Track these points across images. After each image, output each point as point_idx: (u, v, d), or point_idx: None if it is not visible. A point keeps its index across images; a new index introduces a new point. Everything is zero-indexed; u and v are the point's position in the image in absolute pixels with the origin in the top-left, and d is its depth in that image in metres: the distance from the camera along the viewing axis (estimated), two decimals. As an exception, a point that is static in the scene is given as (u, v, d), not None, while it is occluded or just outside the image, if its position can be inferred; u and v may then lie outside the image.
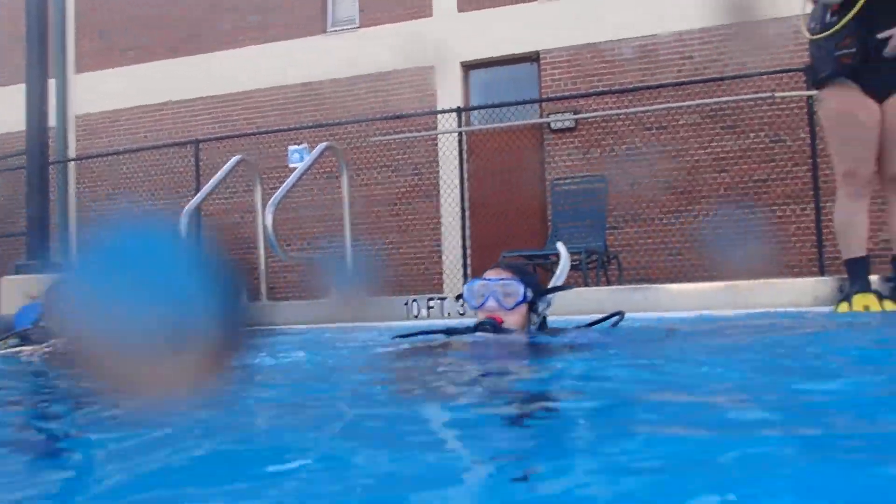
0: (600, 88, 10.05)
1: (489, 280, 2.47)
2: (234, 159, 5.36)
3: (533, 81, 10.61)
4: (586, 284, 6.91)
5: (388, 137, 10.05)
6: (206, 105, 11.81)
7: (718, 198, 9.60)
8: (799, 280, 4.92)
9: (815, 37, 3.67)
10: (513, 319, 2.40)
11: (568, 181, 8.50)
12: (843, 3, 3.52)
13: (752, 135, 9.51)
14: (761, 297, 4.68)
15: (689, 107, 9.40)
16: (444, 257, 10.18)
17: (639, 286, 5.95)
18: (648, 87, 9.60)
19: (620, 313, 2.69)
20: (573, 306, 4.14)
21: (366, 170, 10.57)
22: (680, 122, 9.77)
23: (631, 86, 9.79)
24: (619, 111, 9.76)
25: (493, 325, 2.35)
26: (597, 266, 7.40)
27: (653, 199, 9.74)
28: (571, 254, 7.19)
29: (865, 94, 3.58)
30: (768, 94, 8.04)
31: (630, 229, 9.63)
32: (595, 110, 10.01)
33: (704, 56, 9.82)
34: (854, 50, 3.53)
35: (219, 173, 5.20)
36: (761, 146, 9.42)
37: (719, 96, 9.24)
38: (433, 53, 10.84)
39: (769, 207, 9.47)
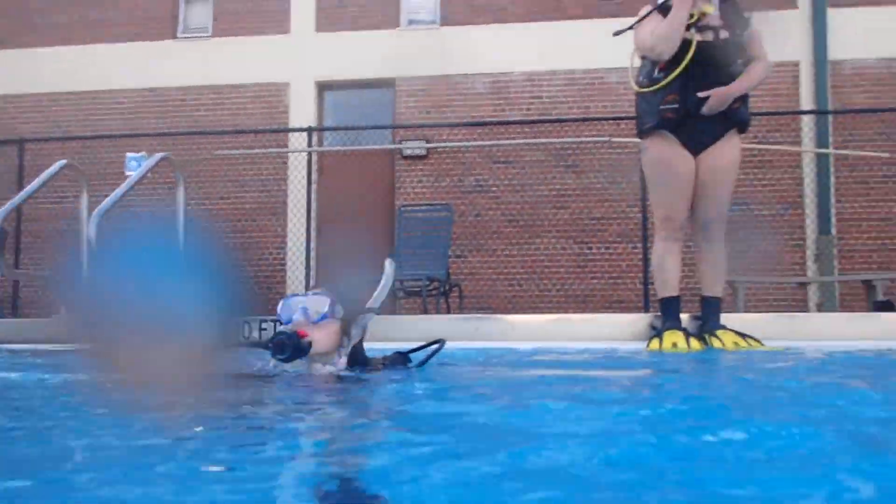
0: (453, 120, 10.26)
1: (300, 295, 2.45)
2: (58, 164, 5.05)
3: (387, 107, 10.68)
4: (426, 312, 6.98)
5: (234, 152, 9.80)
6: (36, 102, 11.07)
7: (558, 232, 9.99)
8: (621, 315, 5.17)
9: (642, 90, 3.91)
10: (319, 335, 2.35)
11: (414, 208, 8.59)
12: (669, 61, 3.77)
13: (591, 175, 9.97)
14: (588, 331, 4.84)
15: (535, 144, 9.77)
16: (287, 277, 9.99)
17: (476, 315, 6.05)
18: (499, 123, 9.91)
19: (441, 342, 2.71)
20: (411, 333, 4.17)
21: (210, 183, 10.24)
22: (526, 159, 10.11)
23: (482, 119, 10.06)
24: (469, 143, 10.00)
25: (290, 337, 2.29)
26: (438, 294, 7.49)
27: (497, 230, 10.02)
28: (413, 280, 7.25)
29: (683, 147, 3.84)
30: (605, 139, 8.48)
31: (473, 258, 9.84)
32: (447, 140, 10.20)
33: (552, 97, 10.24)
34: (676, 106, 3.78)
35: (40, 177, 4.88)
36: (599, 186, 9.90)
37: (563, 136, 9.68)
38: (288, 70, 10.71)
39: (604, 244, 9.95)
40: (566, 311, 9.47)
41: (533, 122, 9.91)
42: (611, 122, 9.14)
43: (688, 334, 3.84)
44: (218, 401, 1.95)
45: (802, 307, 9.58)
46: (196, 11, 11.28)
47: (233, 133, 10.13)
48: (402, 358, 2.68)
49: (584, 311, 9.49)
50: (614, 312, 8.43)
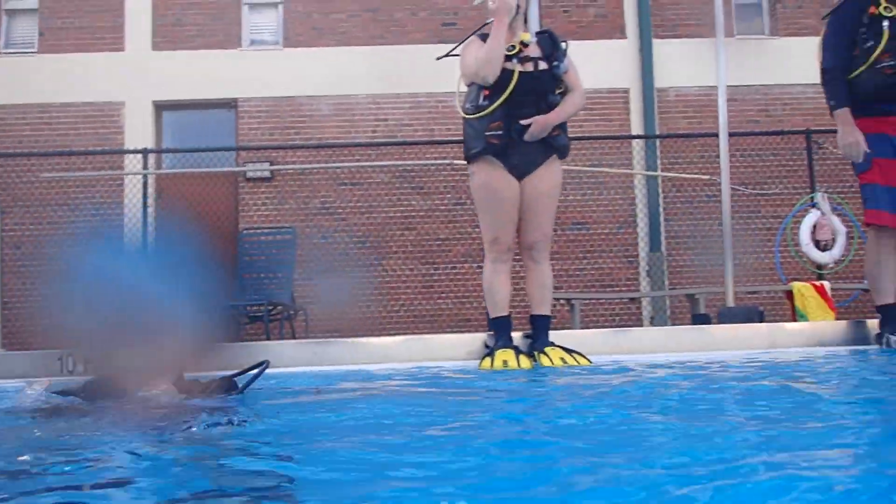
0: (298, 141, 10.15)
1: None
2: None
3: (230, 128, 10.43)
4: (268, 338, 6.83)
5: (64, 175, 9.27)
6: None
7: (405, 254, 10.06)
8: (460, 336, 5.25)
9: (469, 116, 4.03)
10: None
11: (256, 231, 8.42)
12: (493, 88, 3.90)
13: (437, 197, 10.13)
14: (429, 351, 4.87)
15: (381, 167, 9.83)
16: (123, 305, 9.50)
17: (315, 340, 5.98)
18: (344, 145, 9.90)
19: (264, 364, 2.64)
20: (250, 361, 4.06)
21: (38, 207, 9.62)
22: (372, 181, 10.14)
23: (327, 142, 10.01)
24: (314, 165, 9.93)
25: (100, 383, 2.19)
26: (282, 318, 7.35)
27: (344, 252, 9.97)
28: (255, 305, 7.09)
29: (508, 172, 3.97)
30: (448, 161, 8.65)
31: (320, 281, 9.72)
32: (292, 162, 10.08)
33: (397, 120, 10.33)
34: (501, 132, 3.92)
35: None
36: (444, 207, 10.06)
37: (408, 159, 9.79)
38: (123, 89, 10.26)
39: (450, 265, 10.11)
40: (414, 332, 9.55)
41: (378, 144, 9.98)
42: (454, 144, 9.31)
43: (518, 352, 3.95)
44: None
45: (637, 321, 10.11)
46: (20, 26, 10.61)
47: (61, 154, 9.58)
48: (226, 383, 2.60)
49: (431, 331, 9.60)
50: (461, 332, 8.58)
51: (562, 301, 9.08)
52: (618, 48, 10.45)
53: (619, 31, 10.51)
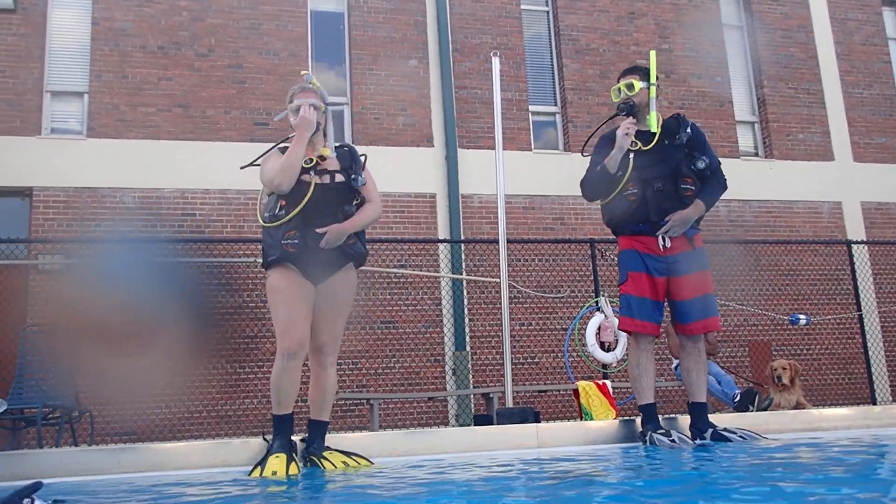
0: (99, 234, 9.78)
1: None
2: None
3: (23, 218, 9.89)
4: (40, 445, 6.36)
5: None
6: None
7: (210, 352, 9.79)
8: (237, 441, 5.13)
9: (267, 225, 4.13)
10: None
11: (42, 327, 7.93)
12: (290, 199, 4.04)
13: (245, 294, 10.00)
14: (225, 456, 4.65)
15: (188, 262, 9.63)
16: None
17: (111, 447, 5.65)
18: (148, 240, 9.63)
19: (37, 484, 2.47)
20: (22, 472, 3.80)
21: None
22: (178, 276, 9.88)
23: (134, 235, 9.72)
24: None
25: None
26: (62, 422, 6.89)
27: (143, 349, 9.54)
28: (27, 409, 6.62)
29: (304, 277, 4.07)
30: (255, 259, 8.63)
31: (110, 381, 9.22)
32: (89, 255, 9.66)
33: (205, 215, 10.21)
34: (297, 241, 4.02)
35: None
36: (252, 304, 9.94)
37: (217, 255, 9.68)
38: None
39: (257, 363, 9.93)
40: (219, 435, 9.24)
41: (185, 240, 9.79)
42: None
43: (290, 459, 3.92)
44: None
45: (444, 418, 10.30)
46: None
47: None
48: None
49: (236, 433, 9.32)
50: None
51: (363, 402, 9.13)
52: (425, 155, 10.98)
53: (426, 140, 11.06)
